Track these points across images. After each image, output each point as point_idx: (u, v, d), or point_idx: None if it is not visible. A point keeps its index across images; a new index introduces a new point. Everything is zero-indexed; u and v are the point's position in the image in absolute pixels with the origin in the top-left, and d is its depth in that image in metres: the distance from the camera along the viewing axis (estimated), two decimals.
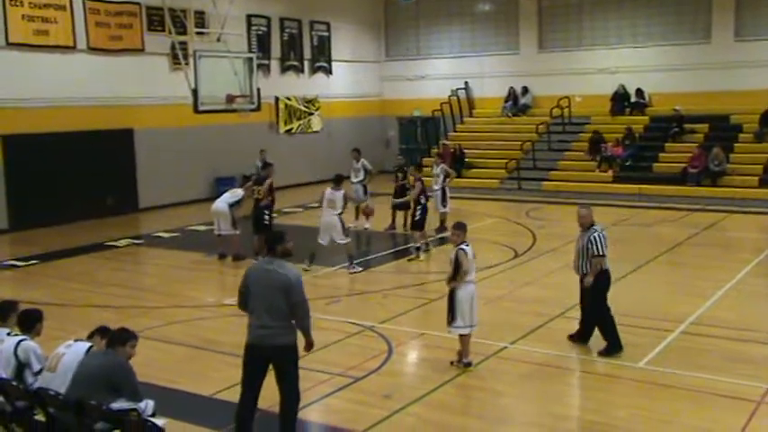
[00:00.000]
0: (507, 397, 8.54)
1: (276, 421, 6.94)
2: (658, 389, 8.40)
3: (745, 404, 7.93)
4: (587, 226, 9.57)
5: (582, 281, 9.62)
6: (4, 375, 6.67)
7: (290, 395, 6.94)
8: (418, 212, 15.65)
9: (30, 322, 7.03)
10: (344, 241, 14.35)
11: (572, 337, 9.93)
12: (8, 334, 6.93)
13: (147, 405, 6.38)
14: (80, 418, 6.10)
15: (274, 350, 6.80)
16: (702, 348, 9.72)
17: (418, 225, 15.59)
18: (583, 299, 9.81)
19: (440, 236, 16.84)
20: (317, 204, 15.51)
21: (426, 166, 21.73)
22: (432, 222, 16.92)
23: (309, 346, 7.11)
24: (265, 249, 7.18)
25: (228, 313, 11.80)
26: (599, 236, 9.41)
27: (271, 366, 6.92)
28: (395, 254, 16.25)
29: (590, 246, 9.38)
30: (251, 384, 6.94)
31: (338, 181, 14.54)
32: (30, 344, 6.84)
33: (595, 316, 9.64)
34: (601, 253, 9.38)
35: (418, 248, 15.35)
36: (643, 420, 7.65)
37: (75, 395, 6.17)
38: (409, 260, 15.30)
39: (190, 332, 10.83)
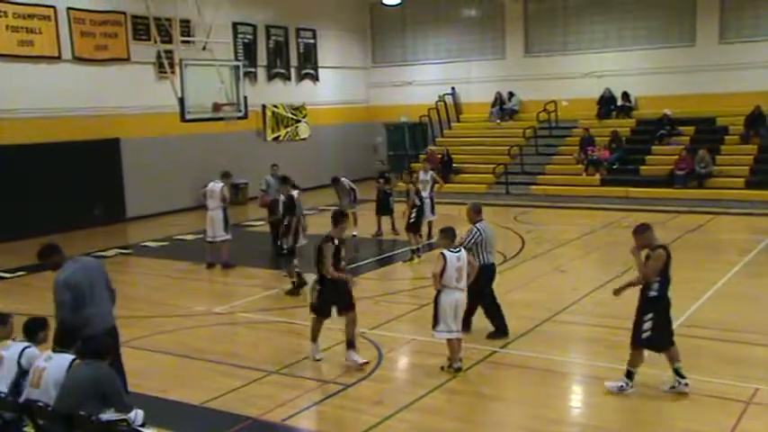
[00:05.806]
0: (497, 401, 8.55)
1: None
2: (648, 390, 8.42)
3: (735, 405, 7.96)
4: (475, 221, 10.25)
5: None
6: (5, 384, 6.67)
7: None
8: (413, 214, 15.68)
9: (34, 330, 7.03)
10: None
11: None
12: (13, 340, 6.97)
13: (137, 415, 6.37)
14: (70, 430, 6.07)
15: (112, 331, 7.59)
16: (691, 350, 9.71)
17: (413, 227, 15.65)
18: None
19: (428, 242, 16.83)
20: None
21: (415, 172, 21.70)
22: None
23: None
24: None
25: (217, 322, 11.79)
26: (474, 230, 10.08)
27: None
28: (383, 260, 16.27)
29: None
30: None
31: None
32: (33, 351, 6.85)
33: (482, 302, 10.22)
34: (467, 245, 9.82)
35: (413, 250, 15.43)
36: (633, 422, 7.67)
37: (63, 407, 6.14)
38: (405, 262, 15.46)
39: (179, 341, 10.79)
